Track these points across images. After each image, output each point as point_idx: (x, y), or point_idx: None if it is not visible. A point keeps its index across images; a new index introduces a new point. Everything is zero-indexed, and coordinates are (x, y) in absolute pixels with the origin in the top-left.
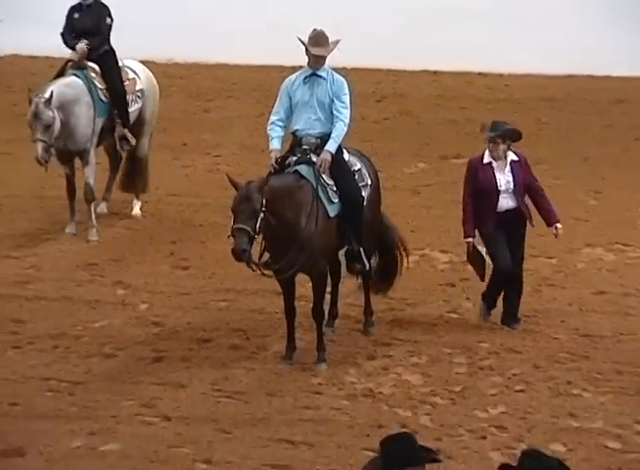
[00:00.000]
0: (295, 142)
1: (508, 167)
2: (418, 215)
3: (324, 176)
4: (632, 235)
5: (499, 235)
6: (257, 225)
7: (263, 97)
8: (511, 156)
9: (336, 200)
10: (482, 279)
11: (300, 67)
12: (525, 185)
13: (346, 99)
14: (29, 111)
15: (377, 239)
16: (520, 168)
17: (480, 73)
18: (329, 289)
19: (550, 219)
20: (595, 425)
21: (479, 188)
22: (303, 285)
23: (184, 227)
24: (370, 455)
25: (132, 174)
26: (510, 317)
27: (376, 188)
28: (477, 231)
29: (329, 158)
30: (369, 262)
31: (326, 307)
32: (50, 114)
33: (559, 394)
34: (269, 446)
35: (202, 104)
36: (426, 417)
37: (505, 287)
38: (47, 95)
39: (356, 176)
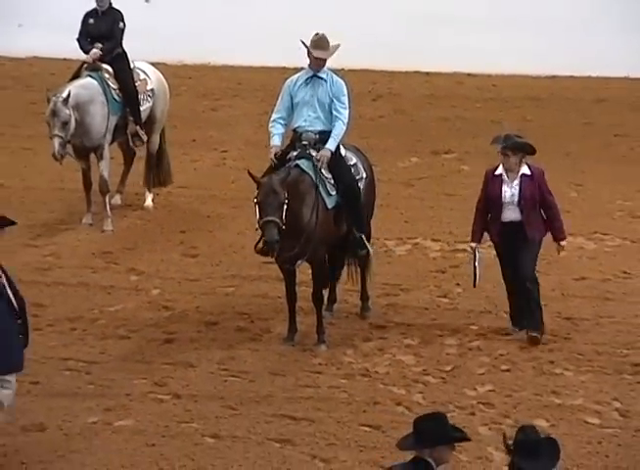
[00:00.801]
0: (295, 138)
1: (517, 181)
2: (411, 207)
3: (323, 170)
4: (611, 225)
5: (505, 245)
6: (284, 216)
7: (267, 96)
8: (524, 169)
9: (333, 192)
10: (474, 285)
11: (302, 68)
12: (535, 200)
13: (345, 100)
14: (48, 109)
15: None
16: (530, 182)
17: (469, 74)
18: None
19: (556, 235)
20: (576, 402)
21: (487, 198)
22: (303, 271)
23: (193, 218)
24: (367, 430)
25: (146, 169)
26: (529, 325)
27: (371, 181)
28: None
29: (328, 154)
30: (370, 247)
31: (325, 293)
32: (67, 111)
33: (542, 373)
34: (272, 422)
35: (209, 103)
36: (418, 395)
37: (512, 295)
38: (65, 95)
39: (352, 170)
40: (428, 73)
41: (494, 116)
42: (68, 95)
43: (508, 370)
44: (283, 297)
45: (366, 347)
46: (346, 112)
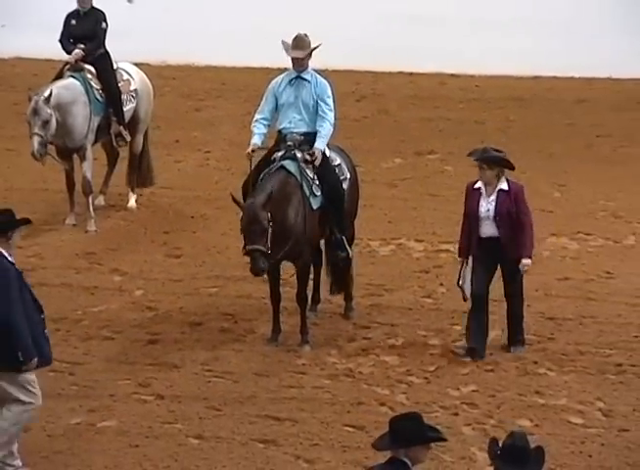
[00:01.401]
0: (279, 139)
1: (494, 195)
2: (395, 207)
3: (307, 171)
4: (594, 225)
5: (481, 259)
6: (268, 240)
7: (250, 97)
8: (502, 185)
9: (318, 193)
10: (464, 300)
11: (285, 69)
12: (512, 217)
13: (330, 101)
14: (29, 107)
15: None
16: (506, 198)
17: (452, 75)
18: (312, 276)
19: (520, 252)
20: (559, 402)
21: (466, 211)
22: (287, 272)
23: (176, 218)
24: (351, 431)
25: (129, 170)
26: (509, 340)
27: (354, 182)
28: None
29: (320, 153)
30: (350, 250)
31: (309, 293)
32: (48, 111)
33: (526, 373)
34: (256, 423)
35: (193, 103)
36: (402, 395)
37: (475, 311)
38: (46, 94)
39: (337, 171)
40: (411, 74)
41: (478, 116)
42: (50, 94)
43: (491, 370)
44: (267, 297)
45: (350, 347)
46: (332, 113)
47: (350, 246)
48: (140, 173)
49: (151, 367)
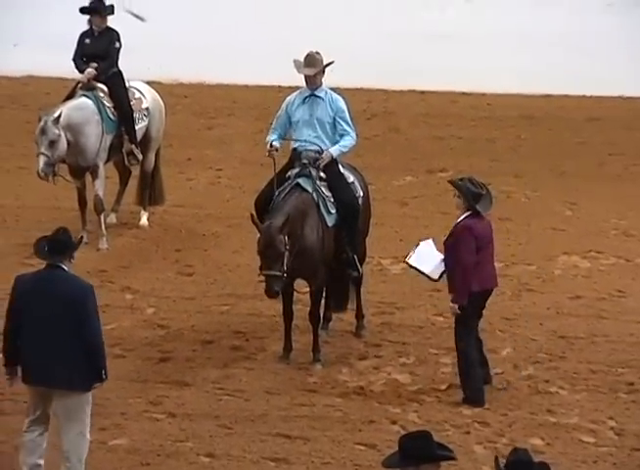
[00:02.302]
0: (294, 156)
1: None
2: (406, 225)
3: (323, 188)
4: (605, 243)
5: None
6: (285, 264)
7: (262, 115)
8: (461, 217)
9: (333, 210)
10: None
11: (297, 87)
12: (450, 252)
13: (348, 117)
14: (37, 127)
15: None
16: (452, 231)
17: (463, 93)
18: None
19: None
20: (571, 421)
21: None
22: (299, 289)
23: (188, 236)
24: (362, 449)
25: (141, 188)
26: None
27: (366, 200)
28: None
29: (329, 157)
30: (361, 268)
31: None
32: (56, 131)
33: (537, 391)
34: (267, 441)
35: (205, 121)
36: (414, 414)
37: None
38: (56, 115)
39: (352, 188)
40: (422, 92)
41: (489, 134)
42: (59, 115)
43: (503, 389)
44: (278, 315)
45: (361, 365)
46: (351, 129)
47: (361, 265)
48: (152, 192)
49: (162, 385)
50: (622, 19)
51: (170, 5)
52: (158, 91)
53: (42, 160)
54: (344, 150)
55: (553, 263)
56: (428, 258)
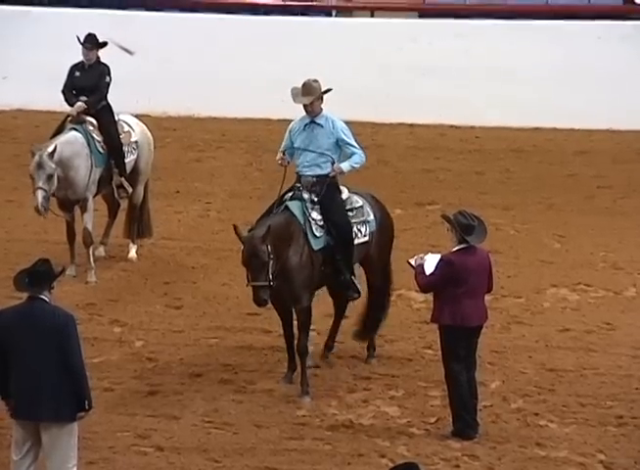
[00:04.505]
0: (296, 180)
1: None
2: (395, 258)
3: (313, 212)
4: (594, 276)
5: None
6: (270, 273)
7: (251, 148)
8: (454, 249)
9: (319, 234)
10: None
11: (286, 120)
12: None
13: (352, 137)
14: (32, 162)
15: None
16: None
17: (452, 126)
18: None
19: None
20: (560, 454)
21: None
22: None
23: (177, 269)
24: None
25: (129, 221)
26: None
27: (385, 227)
28: None
29: (339, 170)
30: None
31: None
32: (52, 165)
33: (526, 425)
34: None
35: (193, 154)
36: (403, 447)
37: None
38: (50, 149)
39: (354, 212)
40: (411, 125)
41: (478, 167)
42: (54, 150)
43: (492, 422)
44: (267, 348)
45: (350, 398)
46: (358, 149)
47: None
48: (140, 225)
49: (150, 418)
50: (611, 52)
51: (159, 38)
52: (146, 124)
53: (40, 194)
54: (356, 166)
55: (542, 296)
56: (431, 262)
